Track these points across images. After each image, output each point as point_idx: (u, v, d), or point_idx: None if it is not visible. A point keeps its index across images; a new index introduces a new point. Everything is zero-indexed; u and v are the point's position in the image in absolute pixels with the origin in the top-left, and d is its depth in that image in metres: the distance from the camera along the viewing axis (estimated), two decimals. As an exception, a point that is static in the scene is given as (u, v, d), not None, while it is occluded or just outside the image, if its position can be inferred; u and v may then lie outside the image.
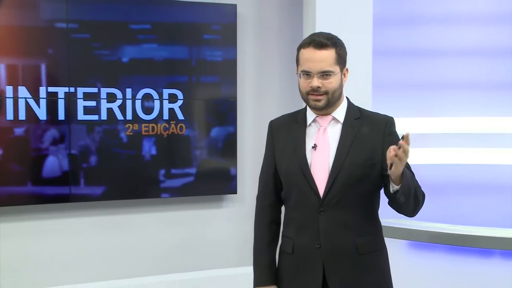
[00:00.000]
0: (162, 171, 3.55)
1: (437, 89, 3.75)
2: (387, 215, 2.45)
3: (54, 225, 3.42)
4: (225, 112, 3.69)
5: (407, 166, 2.19)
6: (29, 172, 3.28)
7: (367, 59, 3.57)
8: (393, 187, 2.09)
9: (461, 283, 3.48)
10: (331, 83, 2.20)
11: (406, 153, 1.97)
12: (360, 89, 3.46)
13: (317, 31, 3.45)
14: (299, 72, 2.25)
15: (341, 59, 2.24)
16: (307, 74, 2.21)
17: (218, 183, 3.70)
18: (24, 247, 3.35)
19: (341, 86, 2.25)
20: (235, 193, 3.70)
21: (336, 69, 2.21)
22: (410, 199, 2.12)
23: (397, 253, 3.44)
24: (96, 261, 3.50)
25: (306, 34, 3.55)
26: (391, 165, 1.99)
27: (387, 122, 2.28)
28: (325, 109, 2.25)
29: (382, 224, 2.33)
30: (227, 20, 3.64)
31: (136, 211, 3.59)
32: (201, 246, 3.73)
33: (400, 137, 2.21)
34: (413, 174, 2.23)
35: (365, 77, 3.56)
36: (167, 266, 3.65)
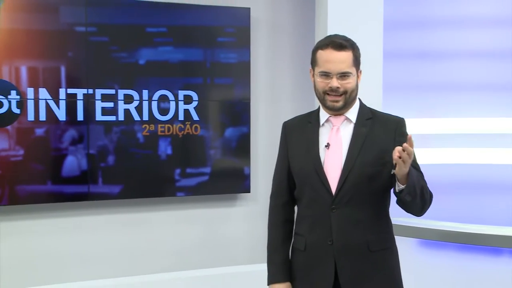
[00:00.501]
0: (178, 170, 3.58)
1: (447, 90, 3.75)
2: (397, 214, 2.46)
3: (73, 222, 3.45)
4: (238, 113, 3.71)
5: (416, 167, 2.23)
6: (49, 171, 3.32)
7: (377, 60, 3.59)
8: (399, 186, 2.12)
9: (470, 281, 3.47)
10: (349, 83, 2.23)
11: (410, 155, 2.01)
12: (371, 90, 3.44)
13: (328, 34, 3.50)
14: (316, 73, 2.27)
15: (357, 61, 2.28)
16: (326, 74, 2.23)
17: (232, 182, 3.72)
18: (45, 243, 3.39)
19: (357, 87, 2.28)
20: (249, 192, 3.72)
21: (353, 70, 2.25)
22: (416, 199, 2.15)
23: (407, 251, 3.42)
24: (114, 258, 3.54)
25: (318, 37, 3.59)
26: (395, 165, 2.04)
27: (398, 123, 2.31)
28: (340, 110, 2.28)
29: (392, 222, 2.34)
30: (241, 23, 3.67)
31: (152, 209, 3.62)
32: (215, 244, 3.76)
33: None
34: (422, 174, 2.27)
35: (376, 78, 3.57)
36: (182, 263, 3.68)
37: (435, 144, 3.72)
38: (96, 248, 3.51)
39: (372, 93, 3.48)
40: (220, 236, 3.77)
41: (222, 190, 3.73)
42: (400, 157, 2.01)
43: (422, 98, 3.75)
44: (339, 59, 2.22)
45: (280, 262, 2.38)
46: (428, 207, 2.26)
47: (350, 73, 2.23)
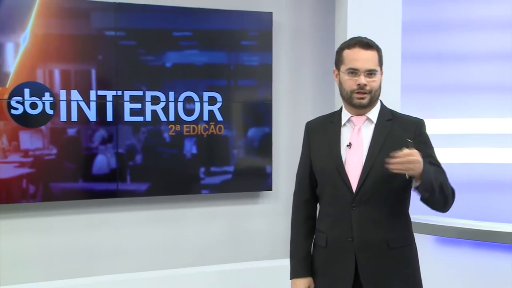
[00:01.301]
0: (202, 169, 3.62)
1: (464, 91, 3.76)
2: (417, 211, 2.47)
3: (102, 218, 3.51)
4: (261, 114, 3.73)
5: (436, 163, 2.25)
6: (80, 170, 3.39)
7: (396, 62, 3.60)
8: (415, 183, 2.14)
9: (486, 277, 3.49)
10: (375, 81, 2.27)
11: (401, 163, 2.05)
12: (389, 91, 3.42)
13: (348, 37, 3.53)
14: (343, 71, 2.29)
15: (381, 61, 2.33)
16: (354, 72, 2.26)
17: (254, 180, 3.74)
18: (76, 238, 3.46)
19: (380, 86, 2.32)
20: (270, 189, 3.75)
21: (379, 69, 2.30)
22: (434, 194, 2.15)
23: (425, 248, 3.41)
24: (141, 252, 3.59)
25: (337, 40, 3.61)
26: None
27: (418, 123, 2.34)
28: (365, 108, 2.30)
29: (412, 220, 2.35)
30: (263, 27, 3.69)
31: (178, 206, 3.65)
32: (237, 240, 3.79)
33: (428, 138, 2.31)
34: (442, 170, 2.26)
35: (394, 80, 3.58)
36: (206, 258, 3.72)
37: (453, 143, 3.74)
38: (124, 243, 3.56)
39: (391, 94, 3.46)
40: (242, 232, 3.80)
41: (245, 188, 3.76)
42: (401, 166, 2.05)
43: (439, 99, 3.76)
44: (366, 57, 2.26)
45: (302, 257, 2.41)
46: (452, 202, 2.27)
47: (377, 71, 2.27)
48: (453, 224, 3.44)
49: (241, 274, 3.70)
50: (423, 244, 3.40)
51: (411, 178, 2.18)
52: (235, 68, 3.68)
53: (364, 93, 2.26)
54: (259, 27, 3.70)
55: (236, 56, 3.68)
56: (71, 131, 3.37)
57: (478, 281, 3.52)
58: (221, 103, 3.65)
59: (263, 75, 3.73)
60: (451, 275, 3.55)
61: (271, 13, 3.73)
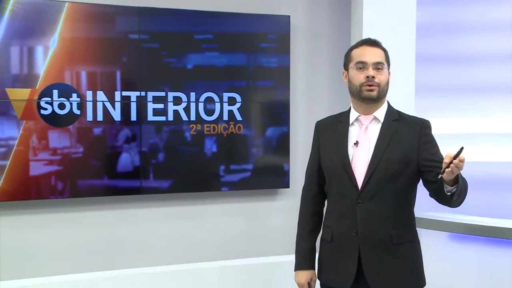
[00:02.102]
0: (222, 167, 3.67)
1: (477, 92, 3.76)
2: (427, 209, 2.53)
3: (126, 214, 3.57)
4: (279, 114, 3.77)
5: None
6: (105, 167, 3.45)
7: (410, 64, 3.65)
8: (447, 188, 2.15)
9: (498, 274, 3.47)
10: (383, 75, 2.32)
11: (460, 167, 2.02)
12: (403, 92, 3.55)
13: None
14: (352, 66, 2.35)
15: (388, 60, 2.39)
16: (362, 65, 2.31)
17: (273, 178, 3.79)
18: (101, 233, 3.53)
19: (388, 83, 2.36)
20: (288, 187, 3.78)
21: (386, 64, 2.35)
22: (461, 197, 2.20)
23: (437, 244, 3.46)
24: (163, 247, 3.65)
25: (353, 42, 3.47)
26: (444, 171, 2.03)
27: (423, 124, 2.37)
28: (373, 103, 2.33)
29: (423, 217, 2.37)
30: (281, 30, 3.74)
31: (199, 202, 3.71)
32: (256, 235, 3.83)
33: (433, 138, 2.34)
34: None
35: (409, 81, 3.63)
36: (225, 252, 3.77)
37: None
38: (147, 238, 3.62)
39: (405, 95, 3.55)
40: (260, 228, 3.84)
41: (263, 185, 3.80)
42: (451, 163, 2.00)
43: (453, 100, 3.77)
44: (373, 52, 2.34)
45: (306, 251, 2.46)
46: (461, 202, 2.27)
47: (384, 65, 2.33)
48: (465, 220, 3.44)
49: (259, 268, 3.76)
50: (435, 241, 3.46)
51: (423, 175, 2.23)
52: (254, 70, 3.73)
53: (373, 85, 2.30)
54: (277, 30, 3.75)
55: (255, 58, 3.73)
56: (97, 130, 3.44)
57: (490, 277, 3.51)
58: (240, 104, 3.71)
59: (281, 76, 3.78)
60: (462, 271, 3.55)
61: (289, 16, 3.77)
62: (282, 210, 3.84)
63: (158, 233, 3.67)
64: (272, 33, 3.75)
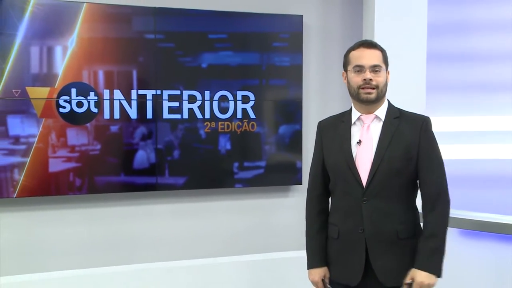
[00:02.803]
0: (236, 164, 3.72)
1: (489, 91, 3.76)
2: None
3: (142, 210, 3.64)
4: (291, 112, 3.81)
5: (436, 164, 2.35)
6: (122, 164, 3.52)
7: (421, 62, 3.67)
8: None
9: (509, 270, 3.47)
10: (381, 77, 2.34)
11: None
12: (415, 91, 3.59)
13: (375, 38, 3.63)
14: (350, 69, 2.37)
15: (386, 60, 2.40)
16: (359, 69, 2.33)
17: (285, 175, 3.82)
18: (118, 228, 3.59)
19: (386, 84, 2.38)
20: (300, 184, 3.80)
21: (383, 66, 2.36)
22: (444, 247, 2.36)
23: (447, 240, 3.49)
24: (178, 242, 3.70)
25: None
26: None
27: (424, 121, 2.39)
28: (373, 104, 2.36)
29: None
30: (294, 29, 3.77)
31: (213, 199, 3.76)
32: (269, 231, 3.88)
33: (433, 135, 2.39)
34: (441, 167, 2.37)
35: (420, 80, 3.65)
36: (239, 248, 3.82)
37: (474, 140, 3.75)
38: (163, 233, 3.68)
39: (416, 94, 3.58)
40: (273, 224, 3.88)
41: (276, 182, 3.84)
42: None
43: (464, 99, 3.78)
44: (370, 55, 2.34)
45: (316, 249, 2.48)
46: (448, 221, 2.39)
47: (381, 67, 2.34)
48: (476, 217, 3.45)
49: (271, 263, 3.81)
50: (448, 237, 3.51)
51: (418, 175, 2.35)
52: (267, 69, 3.77)
53: (371, 87, 2.33)
54: (290, 29, 3.78)
55: (268, 57, 3.77)
56: (114, 128, 3.50)
57: (500, 273, 3.52)
58: (253, 102, 3.75)
59: (294, 75, 3.81)
60: (473, 267, 3.57)
61: (302, 16, 3.81)
62: (295, 206, 3.83)
63: (173, 228, 3.72)
64: (285, 33, 3.79)
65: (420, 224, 2.45)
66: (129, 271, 3.59)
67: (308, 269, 2.52)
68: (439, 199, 2.35)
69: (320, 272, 2.48)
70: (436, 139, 2.43)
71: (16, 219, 3.42)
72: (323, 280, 2.48)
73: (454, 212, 3.42)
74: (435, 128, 2.44)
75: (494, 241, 3.55)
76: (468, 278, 3.56)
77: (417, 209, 2.44)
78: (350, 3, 3.97)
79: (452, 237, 3.58)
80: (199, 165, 3.68)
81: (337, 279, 2.46)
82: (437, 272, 2.30)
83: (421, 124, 2.38)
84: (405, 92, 3.56)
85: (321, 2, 3.93)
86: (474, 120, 3.81)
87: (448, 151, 3.71)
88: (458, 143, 3.77)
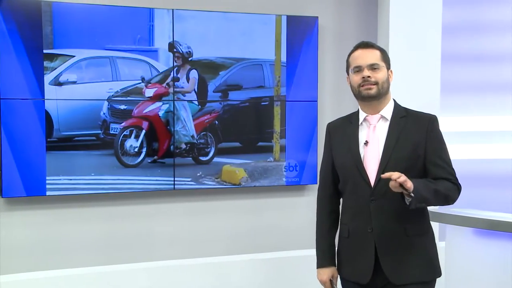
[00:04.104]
0: None
1: (503, 91, 3.79)
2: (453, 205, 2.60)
3: (160, 208, 3.68)
4: (307, 112, 3.83)
5: (445, 162, 2.36)
6: None
7: (436, 63, 3.70)
8: (407, 199, 2.24)
9: None
10: (380, 74, 2.36)
11: (395, 186, 2.17)
12: (429, 91, 3.62)
13: (390, 39, 3.68)
14: (351, 72, 2.42)
15: (386, 59, 2.42)
16: (358, 69, 2.38)
17: (300, 174, 3.84)
18: (135, 227, 3.64)
19: (388, 81, 2.41)
20: (316, 183, 3.77)
21: (382, 64, 2.39)
22: (429, 203, 2.32)
23: (461, 239, 3.43)
24: (195, 240, 3.75)
25: (380, 42, 3.68)
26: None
27: (430, 119, 2.41)
28: (376, 101, 2.38)
29: (447, 212, 2.35)
30: (309, 31, 3.79)
31: (230, 198, 3.80)
32: (285, 229, 3.90)
33: (440, 134, 2.41)
34: (451, 171, 2.37)
35: (434, 80, 3.68)
36: (255, 246, 3.86)
37: (487, 140, 3.78)
38: (179, 231, 3.72)
39: (430, 94, 3.61)
40: (289, 222, 3.91)
41: (292, 181, 3.85)
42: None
43: (478, 99, 3.80)
44: (367, 54, 2.39)
45: (326, 249, 2.51)
46: (452, 200, 2.38)
47: (379, 64, 2.37)
48: (490, 216, 3.37)
49: (286, 261, 3.85)
50: (459, 236, 3.42)
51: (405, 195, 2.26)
52: (282, 69, 3.78)
53: (370, 84, 2.36)
54: (306, 30, 3.81)
55: (283, 58, 3.78)
56: None
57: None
58: (267, 102, 3.80)
59: (309, 76, 3.84)
60: (486, 266, 3.49)
61: (317, 17, 3.85)
62: (310, 205, 3.66)
63: (189, 227, 3.77)
64: (301, 34, 3.81)
65: (429, 222, 2.47)
66: (147, 268, 3.65)
67: (317, 268, 2.55)
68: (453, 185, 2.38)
69: (328, 272, 2.51)
70: (444, 137, 2.44)
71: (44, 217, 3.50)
72: (331, 280, 2.51)
73: (467, 212, 3.46)
74: (450, 128, 2.47)
75: (509, 240, 3.48)
76: (482, 277, 3.53)
77: (426, 208, 2.46)
78: (365, 5, 3.99)
79: (466, 236, 3.61)
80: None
81: (348, 277, 2.48)
82: (417, 194, 2.22)
83: (427, 124, 2.40)
84: (420, 92, 3.60)
85: (336, 4, 3.97)
86: (489, 120, 3.83)
87: (464, 151, 3.74)
88: (472, 143, 3.79)
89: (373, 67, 2.37)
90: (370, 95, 2.37)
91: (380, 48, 2.45)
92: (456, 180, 2.40)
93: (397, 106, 2.46)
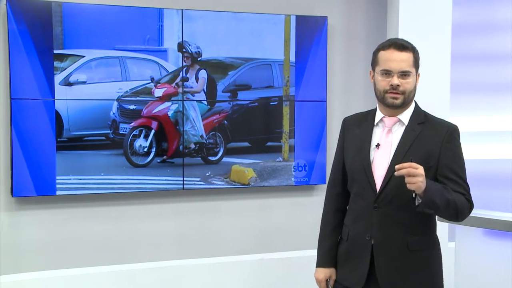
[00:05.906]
0: None
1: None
2: None
3: (170, 208, 3.71)
4: (316, 112, 3.84)
5: (458, 178, 2.22)
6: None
7: (445, 63, 3.68)
8: (418, 200, 2.13)
9: None
10: (409, 83, 2.22)
11: (409, 180, 2.06)
12: (439, 91, 3.61)
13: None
14: (377, 71, 2.26)
15: (417, 63, 2.27)
16: (387, 73, 2.22)
17: (310, 174, 3.85)
18: (144, 226, 3.65)
19: (415, 88, 2.27)
20: (325, 183, 3.69)
21: (413, 71, 2.24)
22: (438, 211, 2.17)
23: (471, 240, 3.40)
24: (204, 239, 3.76)
25: None
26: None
27: (449, 128, 2.28)
28: (399, 108, 2.26)
29: None
30: (319, 31, 3.80)
31: (238, 197, 3.81)
32: (294, 230, 3.90)
33: (457, 146, 2.27)
34: (464, 184, 2.24)
35: (444, 80, 3.67)
36: (264, 245, 3.87)
37: (498, 140, 3.76)
38: (189, 231, 3.73)
39: (440, 93, 3.60)
40: (298, 222, 3.91)
41: (300, 181, 3.85)
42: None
43: (488, 99, 3.78)
44: (400, 58, 2.21)
45: (327, 248, 2.45)
46: (462, 217, 2.24)
47: (410, 72, 2.22)
48: (500, 217, 3.34)
49: (297, 261, 3.84)
50: (470, 237, 3.40)
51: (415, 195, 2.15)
52: (292, 69, 3.79)
53: (397, 93, 2.22)
54: (315, 30, 3.81)
55: (293, 58, 3.79)
56: None
57: None
58: (277, 101, 3.81)
59: (318, 75, 3.85)
60: (497, 267, 3.44)
61: (326, 17, 3.85)
62: (319, 205, 3.66)
63: (198, 227, 3.78)
64: (310, 34, 3.82)
65: (436, 236, 2.35)
66: (156, 268, 3.67)
67: (316, 267, 2.50)
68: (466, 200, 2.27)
69: (325, 272, 2.46)
70: (462, 150, 2.32)
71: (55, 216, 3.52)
72: (327, 281, 2.47)
73: (478, 212, 3.39)
74: (460, 129, 2.36)
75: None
76: (493, 278, 3.52)
77: (435, 221, 2.35)
78: (374, 4, 3.99)
79: (477, 237, 3.60)
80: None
81: (341, 281, 2.43)
82: (427, 194, 2.11)
83: (445, 134, 2.28)
84: (430, 92, 3.56)
85: (346, 4, 3.97)
86: (499, 120, 3.82)
87: (475, 151, 3.73)
88: (482, 143, 3.78)
89: (404, 74, 2.23)
90: (395, 105, 2.25)
91: (413, 49, 2.28)
92: (470, 197, 2.28)
93: (417, 110, 2.33)
